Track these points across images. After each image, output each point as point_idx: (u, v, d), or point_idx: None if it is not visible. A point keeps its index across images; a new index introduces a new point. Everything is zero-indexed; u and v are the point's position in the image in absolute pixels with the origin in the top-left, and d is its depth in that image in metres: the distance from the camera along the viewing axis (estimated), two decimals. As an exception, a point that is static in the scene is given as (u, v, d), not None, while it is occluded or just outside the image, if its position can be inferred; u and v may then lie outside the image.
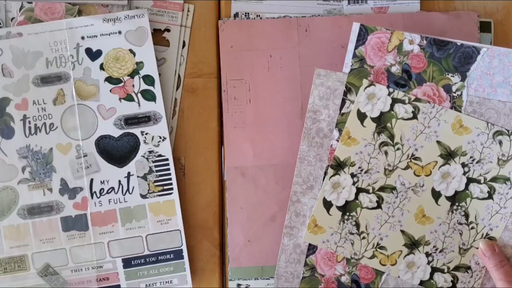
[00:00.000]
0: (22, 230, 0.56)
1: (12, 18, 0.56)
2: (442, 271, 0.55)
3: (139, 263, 0.57)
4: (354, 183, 0.55)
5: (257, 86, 0.58)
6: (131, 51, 0.56)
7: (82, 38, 0.56)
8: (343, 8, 0.59)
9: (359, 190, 0.55)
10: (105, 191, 0.56)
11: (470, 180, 0.55)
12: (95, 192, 0.56)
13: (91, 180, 0.56)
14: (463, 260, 0.55)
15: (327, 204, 0.55)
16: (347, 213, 0.55)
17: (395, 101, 0.54)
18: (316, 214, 0.55)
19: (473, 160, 0.54)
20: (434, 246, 0.55)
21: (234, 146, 0.58)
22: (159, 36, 0.58)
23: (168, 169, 0.57)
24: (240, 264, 0.58)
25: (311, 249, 0.56)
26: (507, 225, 0.54)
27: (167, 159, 0.57)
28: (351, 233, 0.55)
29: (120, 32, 0.56)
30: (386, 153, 0.55)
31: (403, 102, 0.54)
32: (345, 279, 0.56)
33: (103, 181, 0.56)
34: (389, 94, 0.55)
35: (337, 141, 0.55)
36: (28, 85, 0.56)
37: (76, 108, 0.56)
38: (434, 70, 0.54)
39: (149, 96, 0.57)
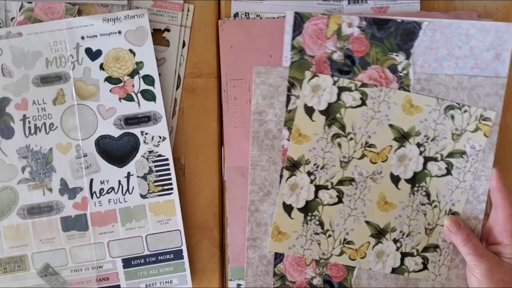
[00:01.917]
0: (22, 230, 0.56)
1: (12, 18, 0.56)
2: (411, 254, 0.55)
3: (139, 263, 0.57)
4: (311, 181, 0.54)
5: (257, 86, 0.58)
6: (131, 51, 0.56)
7: (82, 38, 0.56)
8: (343, 8, 0.59)
9: (318, 188, 0.54)
10: (105, 191, 0.56)
11: (427, 159, 0.54)
12: (95, 192, 0.56)
13: (91, 180, 0.56)
14: (431, 240, 0.55)
15: (288, 208, 0.54)
16: (309, 214, 0.54)
17: (341, 89, 0.53)
18: (278, 220, 0.54)
19: (427, 139, 0.54)
20: (400, 231, 0.55)
21: (234, 146, 0.58)
22: (159, 36, 0.58)
23: (168, 169, 0.57)
24: (240, 264, 0.58)
25: (278, 257, 0.55)
26: (468, 198, 0.54)
27: (167, 159, 0.57)
28: (316, 233, 0.55)
29: (120, 32, 0.56)
30: (339, 145, 0.54)
31: (349, 89, 0.53)
32: (317, 281, 0.55)
33: (103, 181, 0.56)
34: (334, 83, 0.53)
35: (288, 140, 0.54)
36: (28, 85, 0.56)
37: (76, 108, 0.56)
38: (377, 52, 0.53)
39: (149, 96, 0.57)
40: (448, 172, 0.54)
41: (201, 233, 0.58)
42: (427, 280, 0.55)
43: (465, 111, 0.53)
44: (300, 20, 0.52)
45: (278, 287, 0.55)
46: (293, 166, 0.54)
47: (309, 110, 0.53)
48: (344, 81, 0.53)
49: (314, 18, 0.52)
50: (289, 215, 0.54)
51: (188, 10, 0.58)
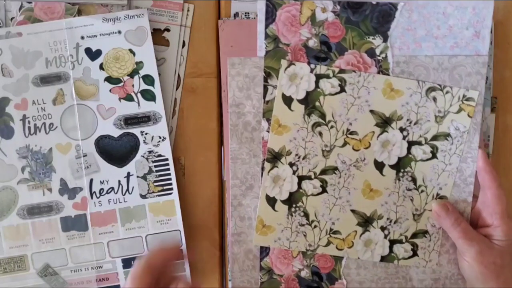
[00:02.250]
0: (22, 230, 0.56)
1: (12, 18, 0.56)
2: (400, 242, 0.54)
3: (139, 263, 0.57)
4: (294, 172, 0.53)
5: (256, 86, 0.58)
6: (130, 51, 0.56)
7: (82, 38, 0.56)
8: (343, 8, 0.59)
9: (301, 179, 0.53)
10: (104, 191, 0.56)
11: (411, 144, 0.53)
12: (94, 192, 0.56)
13: (91, 180, 0.56)
14: (419, 226, 0.54)
15: (271, 201, 0.54)
16: (294, 205, 0.54)
17: (319, 77, 0.52)
18: (262, 213, 0.54)
19: (410, 123, 0.53)
20: (388, 219, 0.54)
21: (234, 146, 0.58)
22: (159, 36, 0.58)
23: (168, 169, 0.57)
24: (240, 264, 0.57)
25: (264, 251, 0.54)
26: (456, 181, 0.53)
27: (167, 159, 0.57)
28: (302, 225, 0.54)
29: (119, 32, 0.56)
30: (320, 134, 0.53)
31: (327, 76, 0.52)
32: (305, 273, 0.55)
33: (103, 181, 0.56)
34: (312, 71, 0.52)
35: (268, 132, 0.53)
36: (28, 85, 0.56)
37: (75, 108, 0.56)
38: (354, 36, 0.52)
39: (149, 96, 0.57)
40: (434, 156, 0.53)
41: (201, 233, 0.58)
42: (417, 266, 0.55)
43: (447, 92, 0.52)
44: (272, 7, 0.52)
45: (265, 281, 0.55)
46: (274, 157, 0.53)
47: (287, 100, 0.53)
48: (321, 68, 0.52)
49: (286, 4, 0.51)
50: (273, 207, 0.54)
51: (188, 10, 0.58)
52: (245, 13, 0.59)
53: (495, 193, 0.51)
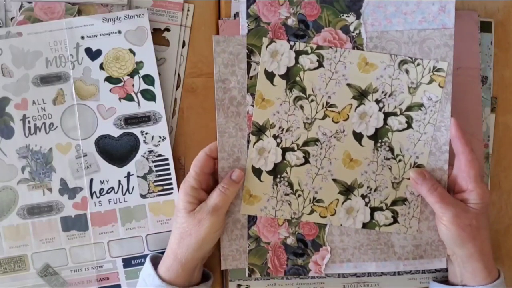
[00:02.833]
0: (22, 230, 0.56)
1: (12, 18, 0.56)
2: (381, 209, 0.56)
3: (139, 263, 0.57)
4: (278, 144, 0.56)
5: (256, 85, 0.58)
6: (131, 50, 0.56)
7: (82, 37, 0.56)
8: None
9: (285, 150, 0.56)
10: (105, 191, 0.56)
11: (387, 115, 0.56)
12: (94, 192, 0.56)
13: (91, 180, 0.56)
14: (398, 194, 0.56)
15: (257, 172, 0.56)
16: (278, 176, 0.56)
17: (298, 53, 0.55)
18: (248, 184, 0.56)
19: (385, 95, 0.55)
20: (368, 187, 0.56)
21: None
22: (159, 36, 0.58)
23: (168, 169, 0.57)
24: (240, 264, 0.58)
25: (251, 220, 0.56)
26: (431, 149, 0.55)
27: (167, 159, 0.57)
28: (286, 194, 0.56)
29: (120, 32, 0.56)
30: (301, 107, 0.55)
31: (306, 53, 0.55)
32: (290, 240, 0.56)
33: (103, 181, 0.56)
34: (291, 47, 0.55)
35: (252, 106, 0.55)
36: (28, 85, 0.56)
37: (75, 108, 0.56)
38: (329, 14, 0.55)
39: (149, 96, 0.57)
40: (409, 126, 0.56)
41: (201, 233, 0.58)
42: (398, 233, 0.56)
43: (418, 64, 0.55)
44: None
45: (253, 249, 0.56)
46: (259, 130, 0.55)
47: (270, 75, 0.55)
48: (300, 45, 0.55)
49: None
50: (259, 178, 0.56)
51: (188, 10, 0.58)
52: (245, 13, 0.59)
53: (468, 157, 0.52)
